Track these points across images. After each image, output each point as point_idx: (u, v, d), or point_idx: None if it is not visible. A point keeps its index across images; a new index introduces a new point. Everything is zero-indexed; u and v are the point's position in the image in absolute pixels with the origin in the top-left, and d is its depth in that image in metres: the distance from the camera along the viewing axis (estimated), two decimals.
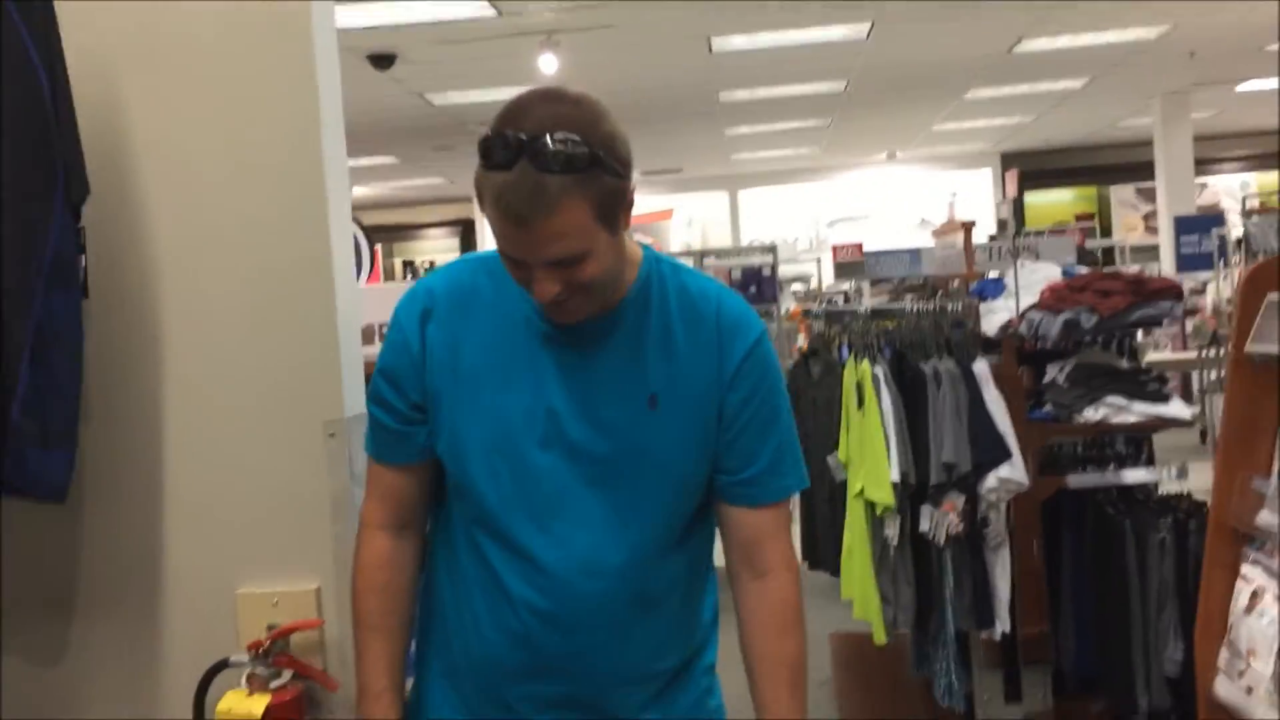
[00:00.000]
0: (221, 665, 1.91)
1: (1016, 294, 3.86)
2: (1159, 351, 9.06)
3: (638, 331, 1.54)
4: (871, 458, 3.54)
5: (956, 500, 3.46)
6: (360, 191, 14.10)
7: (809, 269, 12.19)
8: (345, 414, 1.94)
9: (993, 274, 5.00)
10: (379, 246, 9.55)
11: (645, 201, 14.88)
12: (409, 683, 1.73)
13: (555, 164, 1.34)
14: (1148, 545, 3.48)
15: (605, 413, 1.52)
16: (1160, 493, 3.81)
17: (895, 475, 3.47)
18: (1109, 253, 12.07)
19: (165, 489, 1.97)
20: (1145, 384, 3.59)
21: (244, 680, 1.87)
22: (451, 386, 1.54)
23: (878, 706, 4.13)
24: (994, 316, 4.02)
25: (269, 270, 1.96)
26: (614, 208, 1.41)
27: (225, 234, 1.96)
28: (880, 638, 3.61)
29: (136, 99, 1.95)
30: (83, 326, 1.79)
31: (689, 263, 8.29)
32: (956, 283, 5.21)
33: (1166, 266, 10.40)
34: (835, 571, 4.05)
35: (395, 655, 1.63)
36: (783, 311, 8.29)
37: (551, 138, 1.34)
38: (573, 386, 1.52)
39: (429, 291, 1.58)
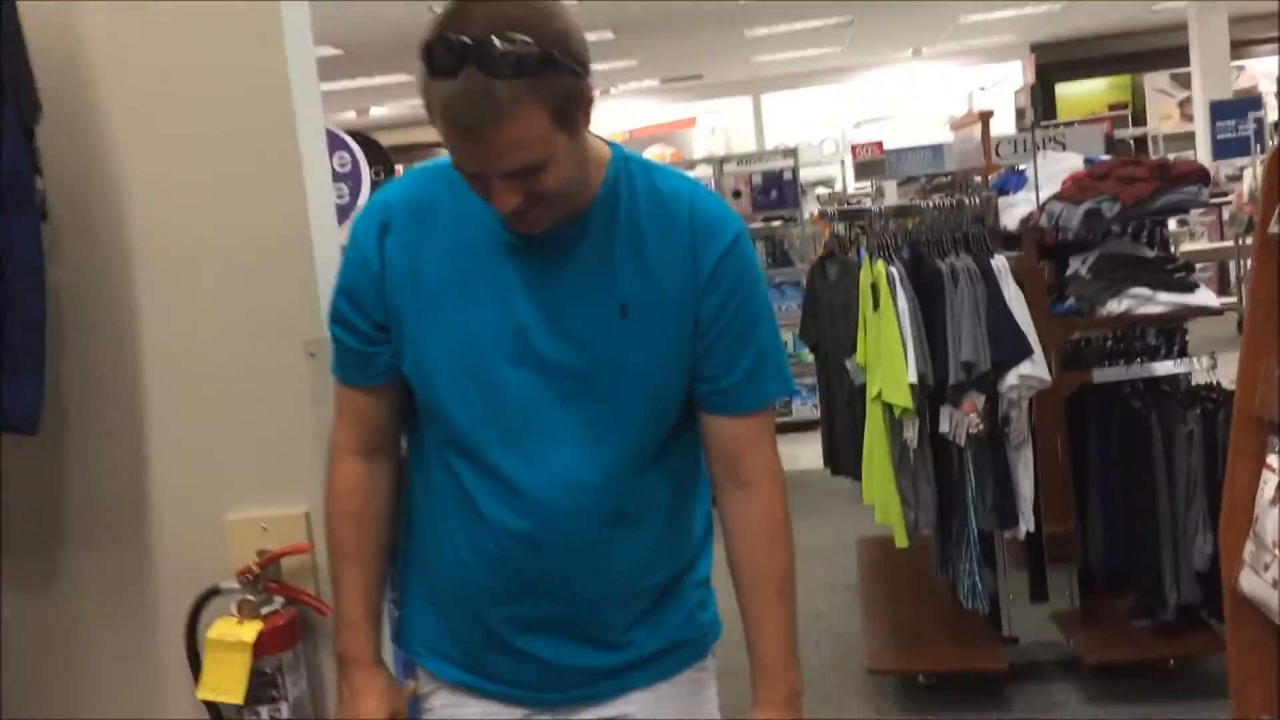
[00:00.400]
0: (212, 593, 1.89)
1: (1036, 186, 3.72)
2: (1195, 241, 8.85)
3: (606, 237, 1.46)
4: (888, 360, 3.46)
5: (977, 399, 3.38)
6: (378, 112, 13.95)
7: (834, 172, 11.97)
8: (326, 333, 1.88)
9: (1022, 167, 4.84)
10: (399, 167, 9.44)
11: (667, 110, 14.65)
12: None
13: (504, 68, 1.24)
14: (1175, 437, 3.40)
15: (575, 324, 1.45)
16: (1193, 384, 3.70)
17: (913, 376, 3.39)
18: (1141, 142, 11.76)
19: (146, 416, 1.93)
20: (1171, 273, 3.47)
21: (234, 608, 1.85)
22: (413, 304, 1.47)
23: (903, 610, 4.10)
24: (1014, 210, 3.89)
25: (238, 187, 1.89)
26: (571, 110, 1.32)
27: (191, 152, 1.89)
28: (901, 541, 3.56)
29: (91, 17, 1.87)
30: (43, 250, 1.73)
31: (708, 170, 8.17)
32: (979, 178, 5.07)
33: (1202, 153, 10.11)
34: (857, 476, 3.99)
35: (371, 583, 1.59)
36: (805, 216, 8.14)
37: (499, 39, 1.23)
38: (540, 299, 1.45)
39: (386, 205, 1.50)
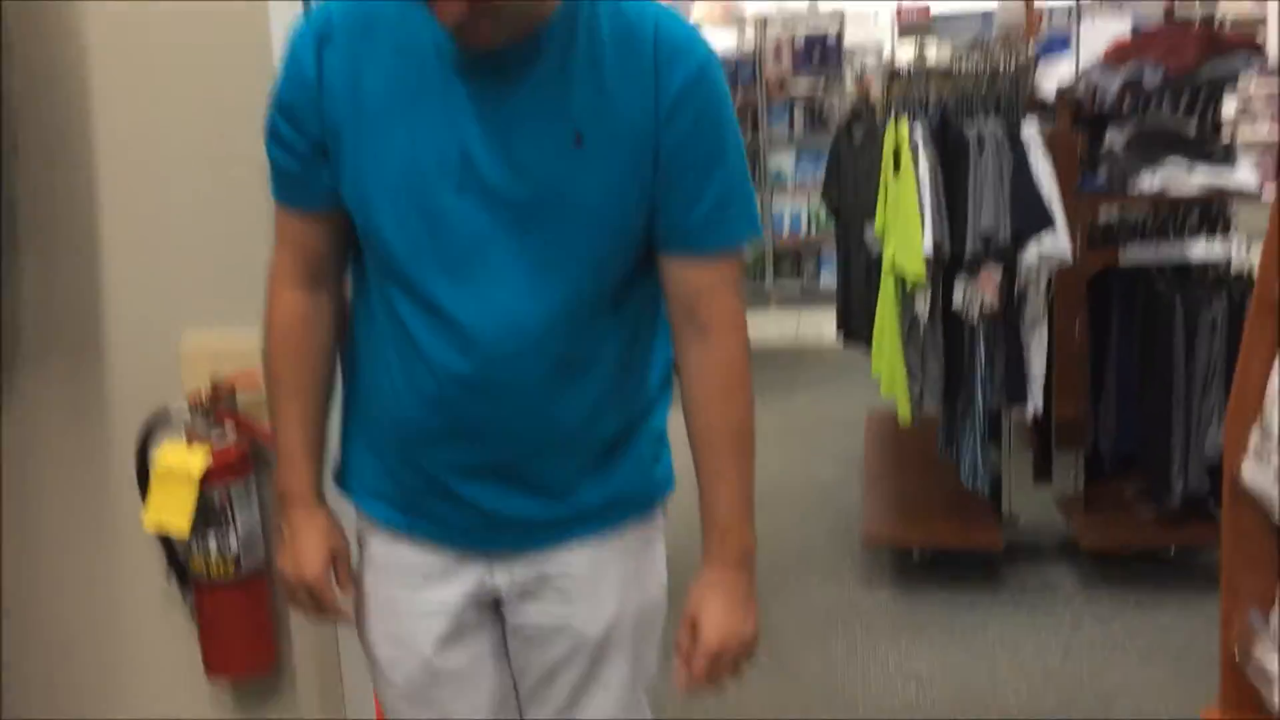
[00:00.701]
0: (163, 416, 1.84)
1: (1076, 49, 3.51)
2: (1255, 124, 8.48)
3: (562, 60, 1.34)
4: (904, 227, 3.32)
5: (994, 273, 3.25)
6: None
7: (884, 38, 11.54)
8: None
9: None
10: None
11: None
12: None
13: None
14: (1198, 323, 3.27)
15: (525, 152, 1.34)
16: (1232, 271, 3.54)
17: (928, 246, 3.25)
18: (1208, 24, 11.21)
19: (101, 234, 1.87)
20: (1211, 150, 3.28)
21: (184, 435, 1.80)
22: (353, 123, 1.37)
23: (905, 486, 4.04)
24: (1054, 77, 3.69)
25: None
26: None
27: None
28: (905, 415, 3.48)
29: None
30: None
31: (748, 28, 7.88)
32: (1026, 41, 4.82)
33: (1273, 39, 9.63)
34: (869, 347, 3.90)
35: (312, 419, 1.53)
36: (848, 84, 7.86)
37: None
38: (488, 122, 1.34)
39: (326, 15, 1.38)
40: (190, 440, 1.79)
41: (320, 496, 1.56)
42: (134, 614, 1.95)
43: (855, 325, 4.38)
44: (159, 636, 1.94)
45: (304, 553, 1.53)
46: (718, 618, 1.46)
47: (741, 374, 1.47)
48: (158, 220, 1.86)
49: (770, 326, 7.46)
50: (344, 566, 1.57)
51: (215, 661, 1.87)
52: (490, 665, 1.58)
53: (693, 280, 1.43)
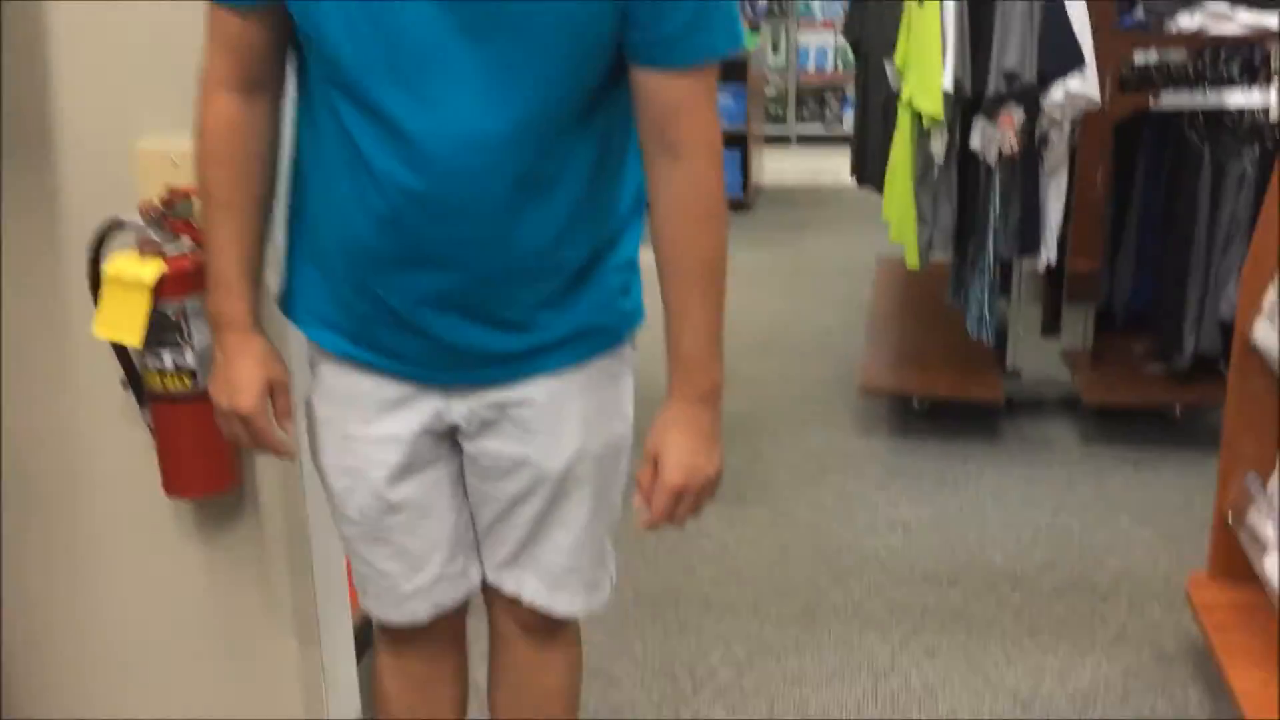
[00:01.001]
0: (115, 225, 1.75)
1: None
2: None
3: None
4: (925, 62, 3.15)
5: (1015, 115, 3.08)
6: None
7: None
8: None
9: None
10: None
11: None
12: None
13: None
14: (1226, 175, 3.12)
15: None
16: (1272, 121, 3.35)
17: (948, 82, 3.08)
18: None
19: (51, 30, 1.74)
20: None
21: (136, 244, 1.71)
22: None
23: (909, 334, 3.95)
24: None
25: None
26: None
27: None
28: (913, 261, 3.36)
29: None
30: None
31: None
32: None
33: None
34: (882, 189, 3.76)
35: (248, 237, 1.43)
36: None
37: None
38: None
39: None
40: (142, 250, 1.70)
41: (257, 321, 1.48)
42: (92, 428, 1.89)
43: (870, 167, 4.23)
44: (118, 453, 1.89)
45: (238, 382, 1.46)
46: (680, 455, 1.40)
47: (713, 200, 1.36)
48: (110, 20, 1.73)
49: (789, 166, 7.28)
50: (283, 397, 1.49)
51: (174, 480, 1.82)
52: (446, 499, 1.53)
53: (665, 95, 1.31)
